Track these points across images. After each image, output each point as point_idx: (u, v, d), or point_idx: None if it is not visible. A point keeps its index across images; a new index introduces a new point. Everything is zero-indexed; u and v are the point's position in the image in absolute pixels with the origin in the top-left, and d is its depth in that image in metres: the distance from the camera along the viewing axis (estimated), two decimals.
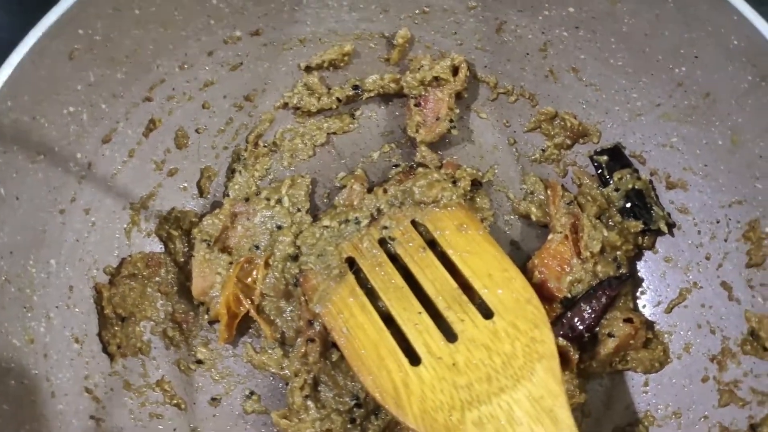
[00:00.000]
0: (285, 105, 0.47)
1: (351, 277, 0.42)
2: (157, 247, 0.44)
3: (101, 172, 0.41)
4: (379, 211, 0.44)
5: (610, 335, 0.42)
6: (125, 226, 0.43)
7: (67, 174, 0.39)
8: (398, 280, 0.41)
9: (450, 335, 0.39)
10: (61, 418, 0.37)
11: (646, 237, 0.44)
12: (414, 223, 0.43)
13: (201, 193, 0.46)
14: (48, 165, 0.38)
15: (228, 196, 0.45)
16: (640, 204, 0.44)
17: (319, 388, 0.41)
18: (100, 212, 0.41)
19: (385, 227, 0.43)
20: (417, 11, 0.45)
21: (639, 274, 0.45)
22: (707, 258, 0.42)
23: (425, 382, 0.37)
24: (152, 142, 0.43)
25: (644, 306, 0.45)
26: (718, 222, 0.41)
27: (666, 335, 0.43)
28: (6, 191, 0.35)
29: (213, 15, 0.41)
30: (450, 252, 0.42)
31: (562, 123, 0.46)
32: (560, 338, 0.42)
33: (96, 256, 0.41)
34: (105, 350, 0.41)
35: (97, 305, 0.41)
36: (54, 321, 0.38)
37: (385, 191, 0.45)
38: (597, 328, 0.43)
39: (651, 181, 0.44)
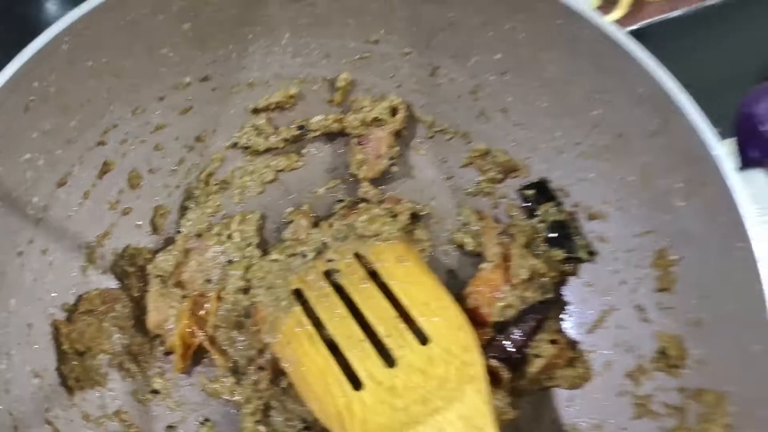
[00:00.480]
0: (234, 145, 0.49)
1: (298, 309, 0.45)
2: (113, 283, 0.46)
3: (57, 215, 0.43)
4: (324, 245, 0.47)
5: (537, 356, 0.46)
6: (82, 264, 0.45)
7: (25, 218, 0.41)
8: (342, 310, 0.44)
9: (389, 360, 0.42)
10: None
11: (570, 264, 0.48)
12: (357, 255, 0.47)
13: (155, 230, 0.48)
14: (6, 211, 0.40)
15: (180, 232, 0.48)
16: (564, 234, 0.48)
17: (270, 413, 0.44)
18: (56, 252, 0.43)
19: (330, 260, 0.46)
20: (357, 56, 0.48)
21: (564, 298, 0.49)
22: (623, 283, 0.46)
23: (367, 405, 0.40)
24: (106, 184, 0.45)
25: (569, 328, 0.49)
26: (632, 250, 0.45)
27: (588, 354, 0.47)
28: None
29: (162, 63, 0.44)
30: (391, 282, 0.45)
31: (494, 159, 0.50)
32: (493, 360, 0.45)
33: (54, 294, 0.43)
34: (64, 384, 0.43)
35: (55, 341, 0.43)
36: (15, 358, 0.40)
37: (330, 225, 0.48)
38: (526, 349, 0.46)
39: (574, 213, 0.48)
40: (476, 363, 0.41)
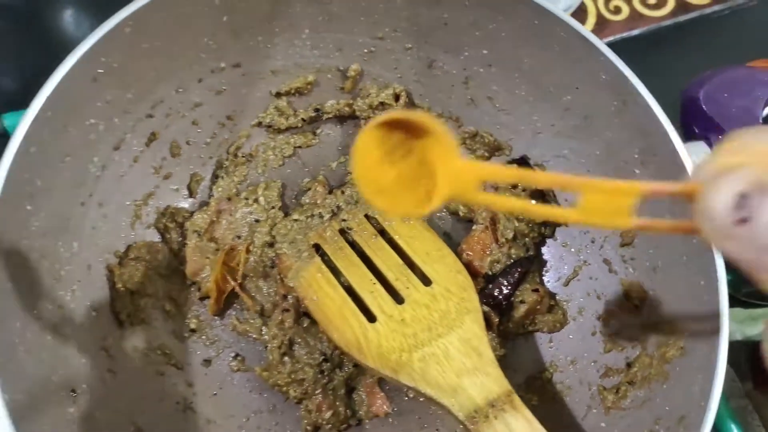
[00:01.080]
0: (259, 124, 0.57)
1: (318, 259, 0.52)
2: (156, 237, 0.53)
3: (112, 174, 0.50)
4: (338, 208, 0.55)
5: (522, 302, 0.54)
6: (130, 219, 0.52)
7: (87, 173, 0.48)
8: (356, 259, 0.52)
9: (398, 299, 0.49)
10: (85, 370, 0.45)
11: (548, 228, 0.57)
12: (367, 216, 0.54)
13: (191, 193, 0.55)
14: (72, 165, 0.46)
15: (213, 196, 0.55)
16: (543, 201, 0.56)
17: (293, 348, 0.51)
18: (110, 206, 0.50)
19: (344, 220, 0.54)
20: (365, 50, 0.56)
21: (543, 257, 0.57)
22: (593, 242, 0.54)
23: (380, 333, 0.48)
24: (152, 151, 0.52)
25: (548, 281, 0.56)
26: None
27: (565, 303, 0.55)
28: (42, 183, 0.44)
29: (203, 50, 0.51)
30: (396, 237, 0.53)
31: (482, 139, 0.58)
32: (484, 306, 0.53)
33: (108, 242, 0.50)
34: (116, 319, 0.49)
35: (109, 282, 0.49)
36: (77, 293, 0.46)
37: (342, 192, 0.55)
38: (512, 298, 0.54)
39: None
40: (473, 299, 0.49)
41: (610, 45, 0.49)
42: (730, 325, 0.64)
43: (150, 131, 0.52)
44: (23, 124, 0.41)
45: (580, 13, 0.77)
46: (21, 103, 0.77)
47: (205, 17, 0.49)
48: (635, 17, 0.81)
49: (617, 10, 0.81)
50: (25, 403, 0.38)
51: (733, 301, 0.65)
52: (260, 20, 0.52)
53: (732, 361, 0.62)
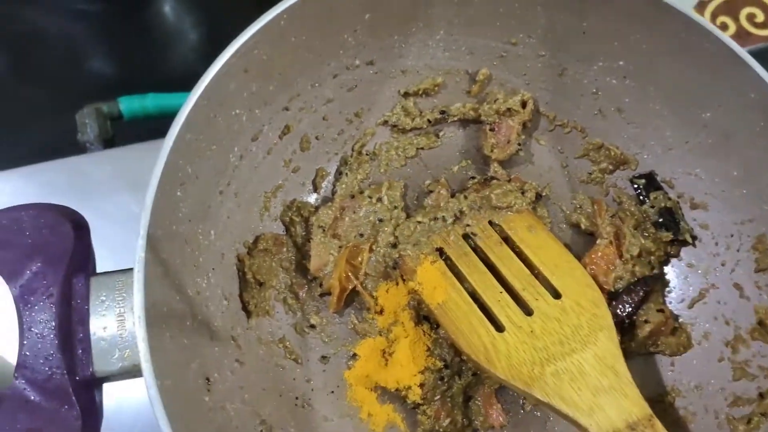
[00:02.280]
0: (385, 122, 0.57)
1: (442, 263, 0.52)
2: (281, 230, 0.53)
3: (248, 164, 0.50)
4: (461, 212, 0.54)
5: (646, 321, 0.52)
6: (260, 209, 0.52)
7: (227, 163, 0.48)
8: (481, 266, 0.51)
9: (527, 311, 0.49)
10: (217, 359, 0.45)
11: (674, 246, 0.55)
12: (491, 223, 0.54)
13: (315, 188, 0.55)
14: (216, 153, 0.47)
15: (337, 193, 0.55)
16: (670, 219, 0.54)
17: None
18: (244, 196, 0.50)
19: (468, 225, 0.53)
20: (496, 55, 0.55)
21: (667, 276, 0.56)
22: (723, 264, 0.53)
23: (509, 344, 0.47)
24: (284, 144, 0.53)
25: (670, 302, 0.55)
26: (732, 236, 0.52)
27: (689, 326, 0.53)
28: (192, 170, 0.44)
29: (342, 46, 0.51)
30: (522, 246, 0.52)
31: (607, 152, 0.57)
32: None
33: (239, 231, 0.50)
34: (244, 308, 0.49)
35: (239, 271, 0.50)
36: (212, 280, 0.47)
37: (465, 197, 0.55)
38: (635, 316, 0.53)
39: (678, 202, 0.55)
40: (606, 315, 0.47)
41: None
42: None
43: (284, 124, 0.52)
44: (184, 110, 0.42)
45: None
46: (129, 87, 0.79)
47: (350, 13, 0.49)
48: (742, 35, 0.79)
49: (723, 27, 0.79)
50: (171, 389, 0.39)
51: None
52: (399, 19, 0.52)
53: None
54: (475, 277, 0.50)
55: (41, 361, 0.36)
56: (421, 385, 0.49)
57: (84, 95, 0.77)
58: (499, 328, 0.48)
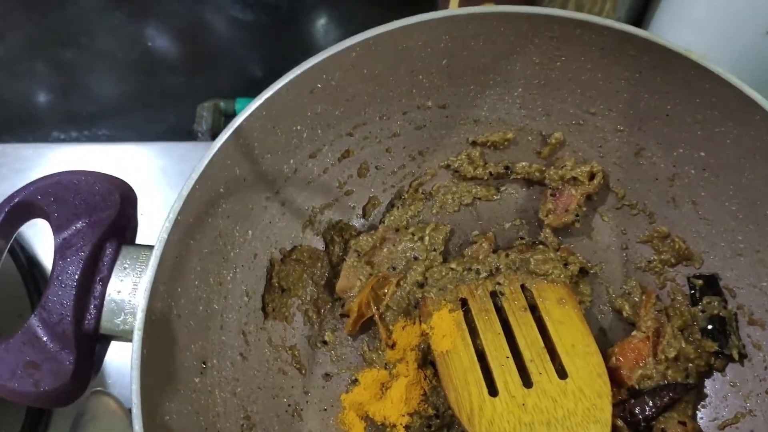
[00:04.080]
0: (447, 166, 0.58)
1: (460, 313, 0.51)
2: (320, 245, 0.56)
3: (301, 179, 0.53)
4: (497, 269, 0.54)
5: (662, 430, 0.48)
6: (303, 222, 0.55)
7: (280, 173, 0.52)
8: (497, 327, 0.50)
9: (527, 382, 0.47)
10: (220, 348, 0.49)
11: (719, 359, 0.50)
12: (522, 287, 0.53)
13: (364, 215, 0.58)
14: (270, 162, 0.51)
15: (383, 223, 0.57)
16: (721, 329, 0.50)
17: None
18: (291, 207, 0.54)
19: (499, 283, 0.53)
20: (573, 122, 0.54)
21: (705, 390, 0.51)
22: (767, 393, 0.48)
23: (496, 410, 0.46)
24: (342, 167, 0.55)
25: (701, 418, 0.50)
26: None
27: None
28: (240, 172, 0.48)
29: (416, 86, 0.53)
30: (546, 318, 0.50)
31: (672, 243, 0.53)
32: (620, 419, 0.49)
33: (278, 238, 0.54)
34: (263, 309, 0.53)
35: (267, 274, 0.53)
36: (238, 275, 0.50)
37: (506, 255, 0.54)
38: (653, 422, 0.49)
39: (736, 314, 0.51)
40: (606, 410, 0.45)
41: None
42: None
43: (346, 148, 0.55)
44: (239, 117, 0.46)
45: None
46: (256, 91, 0.86)
47: (427, 57, 0.51)
48: None
49: None
50: (158, 362, 0.42)
51: None
52: (478, 70, 0.53)
53: None
54: (489, 336, 0.50)
55: (58, 306, 0.41)
56: (407, 427, 0.49)
57: (213, 89, 0.85)
58: (494, 392, 0.47)
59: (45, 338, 0.41)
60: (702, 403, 0.51)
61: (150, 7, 0.94)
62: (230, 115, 0.77)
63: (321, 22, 0.95)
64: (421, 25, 0.49)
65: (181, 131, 0.83)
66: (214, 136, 0.76)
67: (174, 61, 0.92)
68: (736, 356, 0.49)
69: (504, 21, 0.50)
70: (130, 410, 0.58)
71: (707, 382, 0.51)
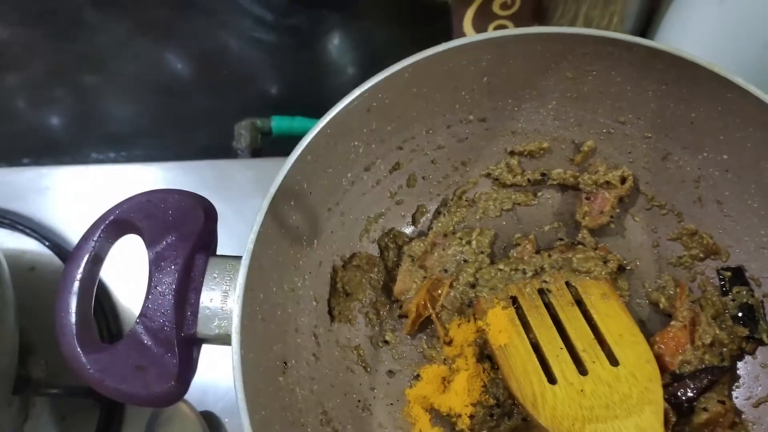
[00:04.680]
0: (488, 175, 0.62)
1: (512, 310, 0.56)
2: (376, 252, 0.60)
3: (357, 190, 0.57)
4: (542, 269, 0.58)
5: (704, 409, 0.53)
6: (361, 231, 0.59)
7: (339, 185, 0.56)
8: (548, 321, 0.54)
9: (582, 370, 0.51)
10: (296, 349, 0.52)
11: (750, 343, 0.55)
12: (567, 284, 0.57)
13: (413, 222, 0.62)
14: (330, 176, 0.55)
15: (432, 229, 0.61)
16: (750, 316, 0.55)
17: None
18: (349, 217, 0.58)
19: (545, 281, 0.57)
20: (604, 130, 0.59)
21: (739, 371, 0.56)
22: None
23: (558, 397, 0.50)
24: (393, 178, 0.60)
25: (737, 397, 0.55)
26: None
27: (751, 424, 0.53)
28: (307, 186, 0.52)
29: (459, 102, 0.58)
30: (592, 312, 0.54)
31: (700, 240, 0.58)
32: (665, 402, 0.53)
33: (339, 246, 0.58)
34: (330, 312, 0.57)
35: (331, 279, 0.57)
36: (307, 281, 0.54)
37: (549, 256, 0.58)
38: (695, 402, 0.53)
39: (762, 302, 0.55)
40: (657, 392, 0.49)
41: None
42: None
43: (396, 161, 0.59)
44: (309, 135, 0.50)
45: None
46: (284, 108, 0.90)
47: (469, 75, 0.56)
48: None
49: None
50: (252, 361, 0.46)
51: None
52: (515, 86, 0.57)
53: None
54: (541, 330, 0.54)
55: (158, 314, 0.45)
56: (471, 417, 0.53)
57: (246, 109, 0.89)
58: (552, 380, 0.51)
59: (149, 343, 0.44)
60: (736, 384, 0.55)
61: (175, 32, 0.98)
62: (266, 133, 0.81)
63: (339, 42, 1.00)
64: (466, 46, 0.53)
65: (215, 149, 0.87)
66: (253, 152, 0.80)
67: (201, 84, 0.96)
68: (765, 340, 0.54)
69: (541, 41, 0.54)
70: (201, 413, 0.61)
71: (740, 365, 0.56)
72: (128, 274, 0.69)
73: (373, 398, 0.57)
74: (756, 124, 0.51)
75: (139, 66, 0.95)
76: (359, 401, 0.56)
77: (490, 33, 0.54)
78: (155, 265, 0.46)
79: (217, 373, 0.59)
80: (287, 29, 1.00)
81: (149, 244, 0.47)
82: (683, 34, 0.81)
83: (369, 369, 0.57)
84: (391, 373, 0.58)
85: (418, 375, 0.57)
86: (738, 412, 0.54)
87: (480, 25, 0.91)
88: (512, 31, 0.53)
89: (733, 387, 0.55)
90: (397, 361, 0.58)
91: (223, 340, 0.45)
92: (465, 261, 0.59)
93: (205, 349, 0.48)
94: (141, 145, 0.89)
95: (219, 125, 0.87)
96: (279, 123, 0.80)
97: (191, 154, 0.88)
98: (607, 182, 0.59)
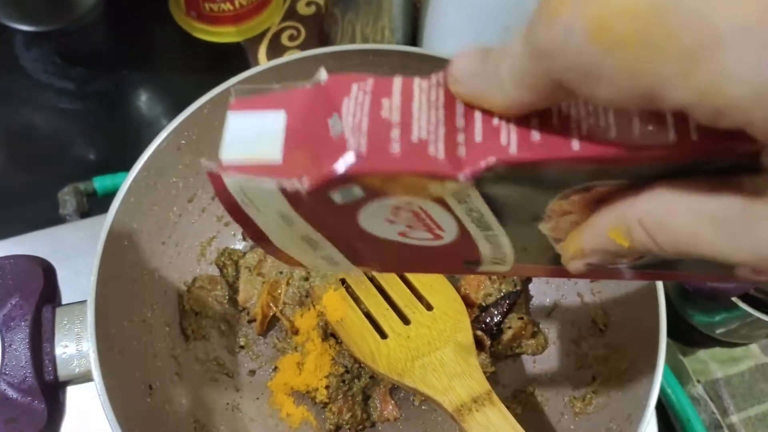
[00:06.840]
0: None
1: (342, 290, 0.65)
2: (215, 271, 0.67)
3: (186, 220, 0.64)
4: None
5: (509, 328, 0.65)
6: (197, 256, 0.66)
7: (168, 220, 0.62)
8: (373, 290, 0.64)
9: (405, 321, 0.61)
10: (158, 372, 0.58)
11: None
12: None
13: (244, 238, 0.69)
14: (157, 213, 0.61)
15: None
16: None
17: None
18: (183, 246, 0.64)
19: None
20: None
21: (530, 291, 0.69)
22: (570, 279, 0.66)
23: (390, 347, 0.59)
24: (216, 204, 0.66)
25: (533, 311, 0.68)
26: None
27: (546, 329, 0.66)
28: (137, 225, 0.58)
29: None
30: (406, 274, 0.65)
31: None
32: (478, 330, 0.65)
33: (179, 273, 0.64)
34: (183, 333, 0.62)
35: (179, 305, 0.63)
36: (156, 310, 0.60)
37: None
38: (501, 324, 0.66)
39: None
40: (465, 321, 0.60)
41: None
42: (711, 364, 0.75)
43: None
44: (128, 180, 0.56)
45: None
46: (106, 169, 0.93)
47: None
48: None
49: None
50: (116, 389, 0.51)
51: (712, 341, 0.76)
52: None
53: (713, 396, 0.73)
54: (369, 299, 0.63)
55: (17, 368, 0.49)
56: (327, 387, 0.61)
57: (68, 176, 0.92)
58: (384, 335, 0.61)
59: (15, 396, 0.48)
60: (531, 302, 0.68)
61: None
62: (91, 194, 0.84)
63: (147, 98, 1.05)
64: (253, 77, 0.62)
65: (43, 220, 0.89)
66: (82, 214, 0.83)
67: (17, 163, 0.97)
68: None
69: (316, 61, 0.64)
70: None
71: (530, 286, 0.69)
72: None
73: (240, 398, 0.63)
74: None
75: None
76: (227, 404, 0.62)
77: (272, 61, 0.63)
78: (5, 326, 0.50)
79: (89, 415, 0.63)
80: (93, 95, 1.04)
81: None
82: (442, 35, 0.95)
83: (231, 375, 0.64)
84: (252, 372, 0.65)
85: (276, 367, 0.64)
86: (535, 323, 0.67)
87: (273, 58, 1.01)
88: (287, 58, 0.63)
89: (530, 305, 0.68)
90: (255, 360, 0.65)
91: (86, 377, 0.50)
92: None
93: (74, 394, 0.53)
94: None
95: (43, 197, 0.89)
96: (102, 183, 0.84)
97: (20, 229, 0.90)
98: None
